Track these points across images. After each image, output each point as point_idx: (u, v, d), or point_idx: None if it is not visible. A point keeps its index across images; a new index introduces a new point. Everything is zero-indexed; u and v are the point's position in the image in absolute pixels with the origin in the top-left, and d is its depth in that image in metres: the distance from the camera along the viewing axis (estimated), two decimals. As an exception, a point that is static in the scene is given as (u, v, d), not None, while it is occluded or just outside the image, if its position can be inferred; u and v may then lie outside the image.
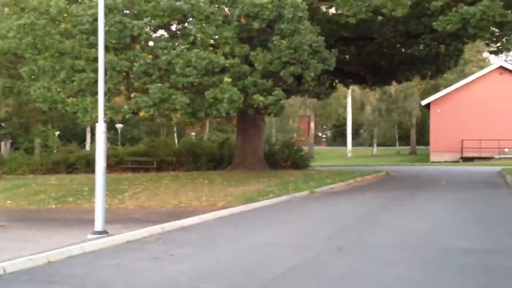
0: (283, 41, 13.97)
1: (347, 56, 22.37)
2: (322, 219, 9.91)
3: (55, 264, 6.54)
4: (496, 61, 41.37)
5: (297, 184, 15.79)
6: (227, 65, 14.09)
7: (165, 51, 14.08)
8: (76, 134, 44.61)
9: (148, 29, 14.42)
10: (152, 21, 14.30)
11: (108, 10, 13.51)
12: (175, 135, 51.87)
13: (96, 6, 13.17)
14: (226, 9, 15.36)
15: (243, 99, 14.12)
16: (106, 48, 12.76)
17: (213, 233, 8.70)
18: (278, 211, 11.28)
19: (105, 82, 11.44)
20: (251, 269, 5.96)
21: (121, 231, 8.77)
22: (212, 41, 15.12)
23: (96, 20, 13.13)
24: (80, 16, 14.20)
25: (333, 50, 15.22)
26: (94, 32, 13.46)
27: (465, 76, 44.45)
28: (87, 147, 39.37)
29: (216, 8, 14.32)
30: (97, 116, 8.75)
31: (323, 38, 14.66)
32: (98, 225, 8.44)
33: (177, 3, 14.31)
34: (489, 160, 33.91)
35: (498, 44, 17.57)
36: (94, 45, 13.63)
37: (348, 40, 20.49)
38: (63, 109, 14.72)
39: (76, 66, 14.23)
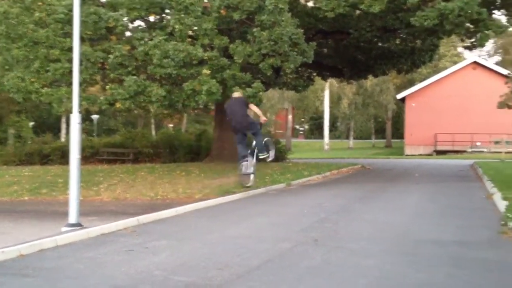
0: (264, 33, 13.95)
1: (325, 50, 22.52)
2: (298, 211, 9.98)
3: (28, 257, 6.47)
4: (470, 56, 42.05)
5: (274, 176, 15.86)
6: (205, 57, 14.04)
7: (142, 42, 13.96)
8: (50, 125, 44.08)
9: (124, 21, 14.26)
10: (129, 12, 14.16)
11: (83, 0, 13.35)
12: (153, 126, 51.57)
13: None
14: (205, 0, 15.31)
15: (221, 91, 14.11)
16: (82, 39, 12.60)
17: (189, 226, 8.69)
18: (254, 204, 11.31)
19: (80, 73, 11.32)
20: (226, 261, 5.98)
21: (96, 223, 8.70)
22: (191, 32, 15.06)
23: (70, 10, 12.97)
24: (54, 5, 13.98)
25: (311, 43, 15.28)
26: (69, 21, 13.28)
27: (439, 70, 45.14)
28: (62, 138, 38.91)
29: None
30: (72, 107, 8.64)
31: (302, 30, 14.70)
32: (72, 217, 8.35)
33: None
34: (462, 154, 34.55)
35: (473, 40, 17.83)
36: (69, 35, 13.45)
37: (326, 33, 20.60)
38: (37, 100, 14.50)
39: (51, 56, 14.03)
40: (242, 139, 12.56)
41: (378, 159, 31.75)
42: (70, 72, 12.38)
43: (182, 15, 14.12)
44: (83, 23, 12.92)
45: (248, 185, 12.52)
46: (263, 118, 13.11)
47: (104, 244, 7.19)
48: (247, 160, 12.48)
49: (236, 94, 12.93)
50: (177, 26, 14.02)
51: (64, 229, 8.18)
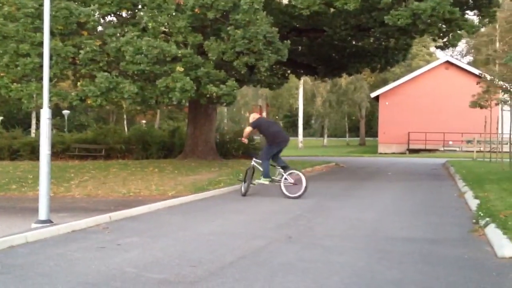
0: (238, 31, 13.91)
1: (299, 47, 22.58)
2: (272, 208, 9.99)
3: (-4, 254, 6.33)
4: (443, 56, 42.72)
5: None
6: (179, 54, 13.93)
7: (114, 38, 13.78)
8: (20, 120, 43.28)
9: (96, 16, 14.03)
10: (100, 8, 13.95)
11: None
12: (125, 122, 51.07)
13: None
14: None
15: (195, 88, 14.02)
16: (52, 34, 12.38)
17: (162, 223, 8.62)
18: (228, 201, 11.29)
19: (51, 68, 11.11)
20: (199, 258, 5.94)
21: (67, 220, 8.57)
22: (164, 29, 14.94)
23: (41, 5, 12.73)
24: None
25: (285, 41, 15.31)
26: (39, 15, 13.02)
27: (412, 70, 45.71)
28: (32, 134, 38.23)
29: None
30: (42, 103, 8.48)
31: (276, 29, 14.72)
32: (42, 214, 8.21)
33: None
34: (434, 152, 35.08)
35: (445, 40, 18.10)
36: (40, 29, 13.20)
37: (300, 31, 20.66)
38: (6, 95, 14.20)
39: (20, 50, 13.74)
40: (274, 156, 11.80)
41: (352, 157, 32.01)
42: (40, 67, 12.15)
43: (155, 13, 14.00)
44: (53, 17, 12.68)
45: (297, 194, 11.13)
46: None
47: (75, 241, 7.08)
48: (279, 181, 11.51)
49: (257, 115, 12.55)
50: (150, 24, 13.89)
51: (34, 225, 8.04)
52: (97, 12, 14.18)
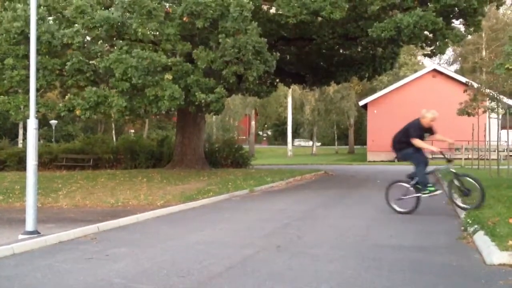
0: (228, 40, 13.94)
1: (287, 56, 22.65)
2: (261, 217, 9.97)
3: (-18, 266, 6.25)
4: (430, 64, 43.04)
5: (237, 182, 15.82)
6: (169, 63, 13.93)
7: (100, 54, 13.78)
8: (7, 130, 42.94)
9: (80, 39, 13.92)
10: (88, 32, 13.96)
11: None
12: (113, 132, 50.81)
13: (20, 19, 12.80)
14: (167, 5, 15.19)
15: (184, 96, 14.03)
16: (37, 52, 12.40)
17: (151, 233, 8.57)
18: (217, 210, 11.25)
19: (37, 79, 11.07)
20: (188, 269, 5.91)
21: (54, 231, 8.49)
22: (152, 37, 14.93)
23: (22, 32, 12.73)
24: (4, 16, 13.74)
25: (274, 53, 15.42)
26: (22, 33, 13.00)
27: (400, 79, 45.94)
28: (20, 144, 37.92)
29: (158, 4, 14.14)
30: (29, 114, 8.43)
31: (265, 39, 14.80)
32: (30, 225, 8.13)
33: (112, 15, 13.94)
34: (423, 160, 35.17)
35: (432, 48, 18.24)
36: (23, 42, 13.16)
37: (288, 40, 20.74)
38: (-6, 107, 14.14)
39: (6, 65, 13.70)
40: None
41: (341, 165, 32.08)
42: (27, 78, 12.09)
43: (145, 19, 14.00)
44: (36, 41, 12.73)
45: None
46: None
47: (63, 252, 7.01)
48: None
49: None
50: (140, 30, 13.88)
51: (21, 236, 7.96)
52: (82, 32, 14.07)
